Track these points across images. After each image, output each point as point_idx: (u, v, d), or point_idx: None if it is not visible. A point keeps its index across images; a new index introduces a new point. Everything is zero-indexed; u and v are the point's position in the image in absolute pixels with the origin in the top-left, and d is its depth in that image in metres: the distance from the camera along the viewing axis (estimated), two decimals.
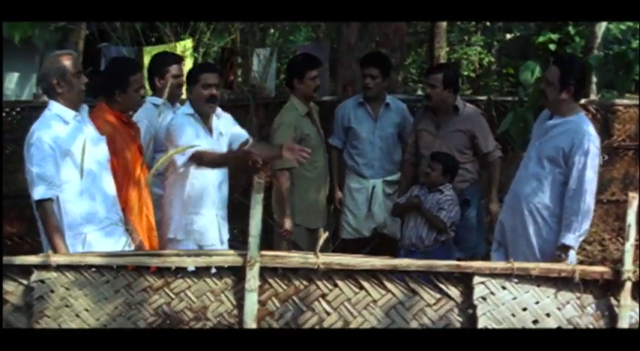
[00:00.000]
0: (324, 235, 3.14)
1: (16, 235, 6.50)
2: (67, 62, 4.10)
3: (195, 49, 10.46)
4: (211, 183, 4.83)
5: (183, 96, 5.37)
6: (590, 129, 4.58)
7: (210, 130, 4.85)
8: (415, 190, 5.52)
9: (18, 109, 6.59)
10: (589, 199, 4.48)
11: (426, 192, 5.44)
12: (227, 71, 10.17)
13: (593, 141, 4.51)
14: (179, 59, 5.31)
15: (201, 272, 3.15)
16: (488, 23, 15.01)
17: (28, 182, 4.02)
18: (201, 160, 4.69)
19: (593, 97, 9.57)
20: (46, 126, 4.05)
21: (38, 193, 3.94)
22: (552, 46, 11.87)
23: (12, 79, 13.27)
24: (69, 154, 4.01)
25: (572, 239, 4.46)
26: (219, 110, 4.94)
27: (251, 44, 9.28)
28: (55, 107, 4.11)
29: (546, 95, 4.64)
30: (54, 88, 4.10)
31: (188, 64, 6.77)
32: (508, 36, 16.07)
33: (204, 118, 4.82)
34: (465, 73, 14.90)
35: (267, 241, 5.23)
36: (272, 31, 13.56)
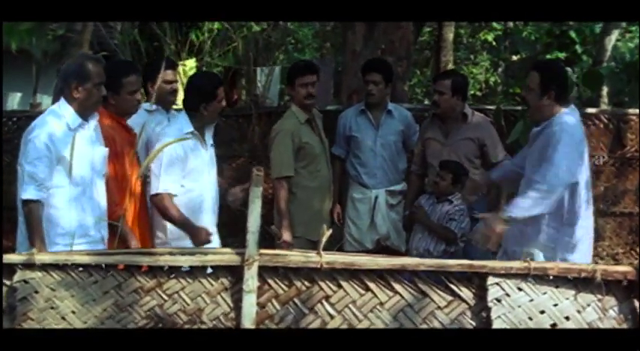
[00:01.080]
0: (327, 233, 2.96)
1: (12, 248, 6.31)
2: (93, 69, 3.95)
3: (198, 69, 10.45)
4: (209, 195, 4.65)
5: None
6: (568, 119, 4.31)
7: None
8: (422, 201, 5.37)
9: (14, 119, 6.48)
10: (553, 180, 4.13)
11: (434, 202, 5.29)
12: (230, 90, 10.13)
13: (566, 129, 4.23)
14: (173, 65, 5.15)
15: (196, 272, 3.00)
16: (494, 43, 14.97)
17: (18, 176, 3.89)
18: (165, 211, 4.46)
19: (604, 107, 9.40)
20: (48, 125, 3.89)
21: (27, 192, 3.80)
22: None
23: (15, 99, 13.30)
24: (64, 160, 3.85)
25: (509, 211, 4.17)
26: None
27: (253, 53, 9.21)
28: (64, 109, 3.95)
29: (528, 103, 4.47)
30: (71, 91, 3.94)
31: None
32: (514, 57, 16.01)
33: (201, 132, 4.65)
34: (472, 92, 14.84)
35: None
36: (277, 53, 13.55)
